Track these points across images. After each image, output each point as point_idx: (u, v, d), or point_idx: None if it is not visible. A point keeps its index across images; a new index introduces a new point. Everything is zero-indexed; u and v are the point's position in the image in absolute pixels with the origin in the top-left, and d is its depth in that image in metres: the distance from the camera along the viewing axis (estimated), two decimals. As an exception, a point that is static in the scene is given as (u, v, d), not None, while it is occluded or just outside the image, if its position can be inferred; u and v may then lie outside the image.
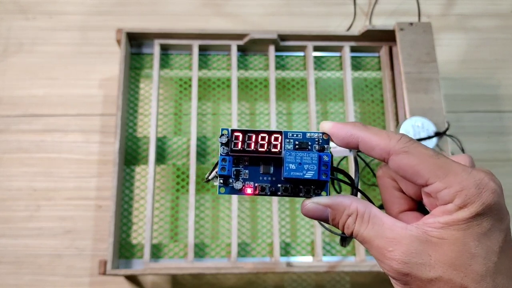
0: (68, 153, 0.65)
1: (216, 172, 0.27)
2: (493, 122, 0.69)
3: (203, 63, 0.66)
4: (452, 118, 0.67)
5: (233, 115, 0.61)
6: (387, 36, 0.63)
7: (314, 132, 0.27)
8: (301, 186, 0.27)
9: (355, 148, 0.26)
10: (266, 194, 0.27)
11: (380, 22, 0.73)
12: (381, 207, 0.29)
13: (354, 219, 0.26)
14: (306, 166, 0.26)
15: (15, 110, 0.67)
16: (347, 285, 0.61)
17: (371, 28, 0.62)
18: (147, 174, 0.61)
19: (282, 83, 0.66)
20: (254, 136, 0.27)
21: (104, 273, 0.53)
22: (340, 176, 0.30)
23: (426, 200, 0.26)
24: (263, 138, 0.27)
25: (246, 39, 0.63)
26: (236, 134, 0.27)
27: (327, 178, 0.26)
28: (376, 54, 0.67)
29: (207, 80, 0.66)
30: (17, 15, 0.72)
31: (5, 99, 0.67)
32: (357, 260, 0.57)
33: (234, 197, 0.58)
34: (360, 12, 0.74)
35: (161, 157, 0.62)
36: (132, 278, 0.60)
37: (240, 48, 0.65)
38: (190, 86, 0.64)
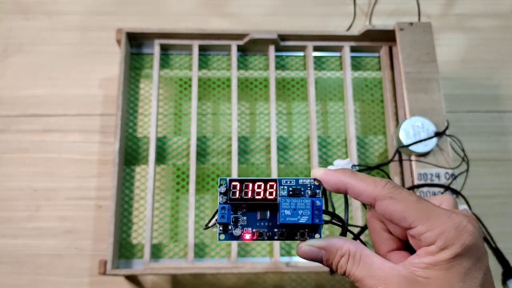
0: (68, 153, 0.65)
1: (216, 220, 0.29)
2: (493, 122, 0.69)
3: (203, 63, 0.66)
4: (452, 118, 0.67)
5: (233, 115, 0.61)
6: (387, 36, 0.63)
7: (306, 179, 0.29)
8: (296, 230, 0.29)
9: (344, 193, 0.28)
10: (263, 239, 0.29)
11: (380, 22, 0.73)
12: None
13: (347, 260, 0.27)
14: (300, 212, 0.28)
15: (15, 110, 0.67)
16: (346, 284, 0.61)
17: (371, 28, 0.62)
18: (147, 174, 0.61)
19: (282, 83, 0.66)
20: (250, 185, 0.29)
21: (104, 273, 0.53)
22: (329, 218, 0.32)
23: (411, 241, 0.28)
24: (259, 186, 0.29)
25: (246, 39, 0.63)
26: (233, 183, 0.29)
27: (320, 221, 0.28)
28: (376, 54, 0.67)
29: (207, 80, 0.66)
30: (17, 15, 0.72)
31: (5, 99, 0.67)
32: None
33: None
34: (360, 12, 0.74)
35: (161, 157, 0.62)
36: (132, 278, 0.60)
37: (240, 48, 0.65)
38: (190, 86, 0.64)
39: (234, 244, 0.56)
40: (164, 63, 0.66)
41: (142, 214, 0.60)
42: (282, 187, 0.29)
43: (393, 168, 0.60)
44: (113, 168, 0.57)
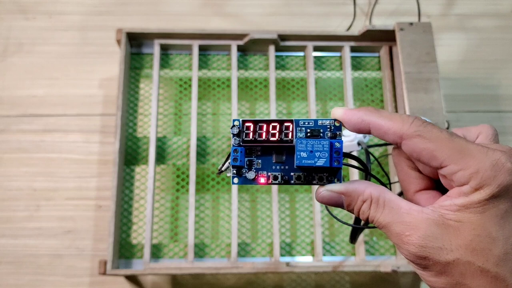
0: (68, 153, 0.65)
1: (229, 163, 0.27)
2: (493, 122, 0.69)
3: (203, 63, 0.66)
4: (452, 118, 0.67)
5: (233, 115, 0.61)
6: (387, 36, 0.63)
7: (326, 119, 0.27)
8: (314, 174, 0.27)
9: (367, 133, 0.26)
10: (279, 183, 0.27)
11: (380, 22, 0.73)
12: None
13: (369, 205, 0.25)
14: (317, 154, 0.26)
15: (15, 110, 0.67)
16: (347, 285, 0.61)
17: (371, 28, 0.62)
18: (147, 174, 0.61)
19: (282, 83, 0.66)
20: (265, 126, 0.27)
21: (104, 273, 0.53)
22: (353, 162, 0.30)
23: (443, 181, 0.25)
24: (274, 128, 0.27)
25: (246, 39, 0.63)
26: (247, 124, 0.27)
27: (340, 165, 0.26)
28: (376, 54, 0.67)
29: (207, 80, 0.66)
30: (17, 15, 0.72)
31: (5, 99, 0.67)
32: (357, 260, 0.57)
33: (234, 197, 0.58)
34: (360, 12, 0.74)
35: (161, 157, 0.62)
36: (132, 278, 0.60)
37: (240, 48, 0.65)
38: (190, 86, 0.64)
39: (234, 244, 0.56)
40: (164, 63, 0.66)
41: (142, 214, 0.60)
42: (299, 129, 0.27)
43: (393, 167, 0.60)
44: (113, 168, 0.57)
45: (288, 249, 0.59)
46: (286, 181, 0.27)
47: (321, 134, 0.27)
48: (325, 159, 0.25)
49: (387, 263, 0.54)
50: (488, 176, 0.22)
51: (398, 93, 0.63)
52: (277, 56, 0.66)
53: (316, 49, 0.66)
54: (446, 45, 0.72)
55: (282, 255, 0.59)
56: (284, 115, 0.65)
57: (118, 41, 0.61)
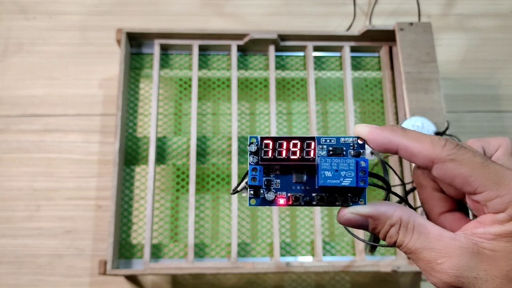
0: (68, 153, 0.65)
1: (246, 183, 0.26)
2: (493, 122, 0.69)
3: (203, 63, 0.66)
4: (452, 118, 0.67)
5: (233, 115, 0.61)
6: (387, 36, 0.63)
7: (349, 137, 0.26)
8: (337, 195, 0.25)
9: (394, 154, 0.25)
10: (300, 205, 0.26)
11: (380, 22, 0.73)
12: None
13: (398, 229, 0.24)
14: (343, 173, 0.24)
15: (15, 110, 0.67)
16: (347, 285, 0.61)
17: (371, 28, 0.62)
18: (147, 174, 0.61)
19: (282, 83, 0.66)
20: (285, 143, 0.25)
21: (104, 273, 0.53)
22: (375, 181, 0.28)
23: (471, 204, 0.25)
24: (295, 145, 0.25)
25: (246, 39, 0.63)
26: (266, 141, 0.25)
27: (366, 185, 0.25)
28: (376, 54, 0.67)
29: (207, 80, 0.66)
30: (17, 15, 0.72)
31: (5, 99, 0.67)
32: (357, 260, 0.57)
33: (234, 197, 0.58)
34: (360, 12, 0.74)
35: (161, 157, 0.62)
36: (132, 278, 0.60)
37: (240, 48, 0.65)
38: (190, 86, 0.64)
39: (234, 244, 0.56)
40: (164, 63, 0.66)
41: (142, 214, 0.60)
42: (320, 147, 0.25)
43: (393, 167, 0.60)
44: (113, 168, 0.57)
45: (288, 249, 0.59)
46: (307, 202, 0.26)
47: (343, 153, 0.25)
48: (351, 179, 0.24)
49: (387, 263, 0.54)
50: None
51: (398, 93, 0.63)
52: (277, 56, 0.66)
53: (316, 49, 0.66)
54: (446, 45, 0.72)
55: (282, 255, 0.59)
56: (284, 115, 0.65)
57: (118, 41, 0.61)
